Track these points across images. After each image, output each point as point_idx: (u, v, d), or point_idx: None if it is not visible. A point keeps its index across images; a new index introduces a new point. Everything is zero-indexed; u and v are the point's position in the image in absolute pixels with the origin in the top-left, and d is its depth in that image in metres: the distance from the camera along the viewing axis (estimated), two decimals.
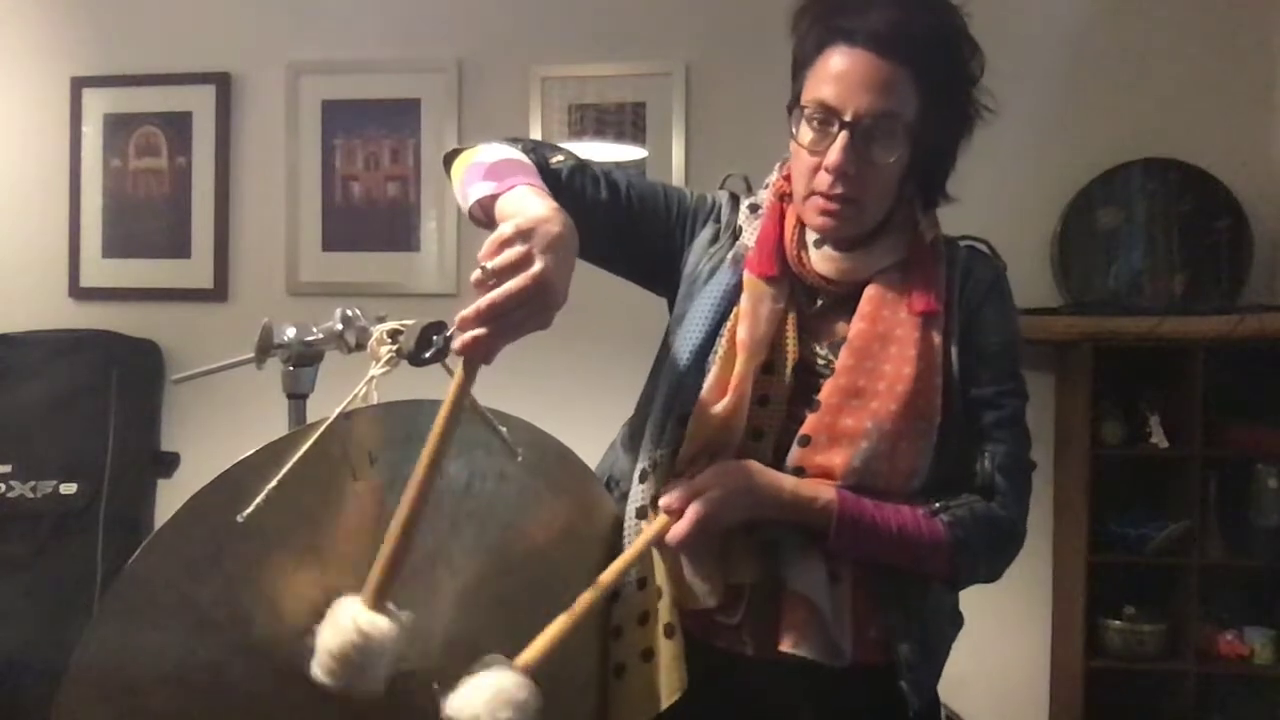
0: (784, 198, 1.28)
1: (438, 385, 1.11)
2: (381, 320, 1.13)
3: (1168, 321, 2.60)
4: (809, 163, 1.19)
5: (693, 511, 1.15)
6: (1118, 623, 2.67)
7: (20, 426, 2.98)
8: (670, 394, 1.23)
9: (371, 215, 3.16)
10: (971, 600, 1.33)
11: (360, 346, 1.14)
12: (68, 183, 3.26)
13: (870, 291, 1.22)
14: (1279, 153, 2.85)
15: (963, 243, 1.30)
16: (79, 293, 3.27)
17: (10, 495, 2.92)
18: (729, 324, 1.22)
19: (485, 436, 1.10)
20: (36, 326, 3.15)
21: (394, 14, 3.15)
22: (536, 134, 3.04)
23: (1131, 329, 2.62)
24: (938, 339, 1.20)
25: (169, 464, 3.06)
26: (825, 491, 1.17)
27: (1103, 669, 2.65)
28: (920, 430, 1.18)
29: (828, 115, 1.16)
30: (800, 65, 1.22)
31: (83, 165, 3.26)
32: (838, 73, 1.15)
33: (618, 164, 2.79)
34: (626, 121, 3.04)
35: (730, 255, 1.27)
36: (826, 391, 1.19)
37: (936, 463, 1.20)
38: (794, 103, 1.21)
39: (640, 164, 3.01)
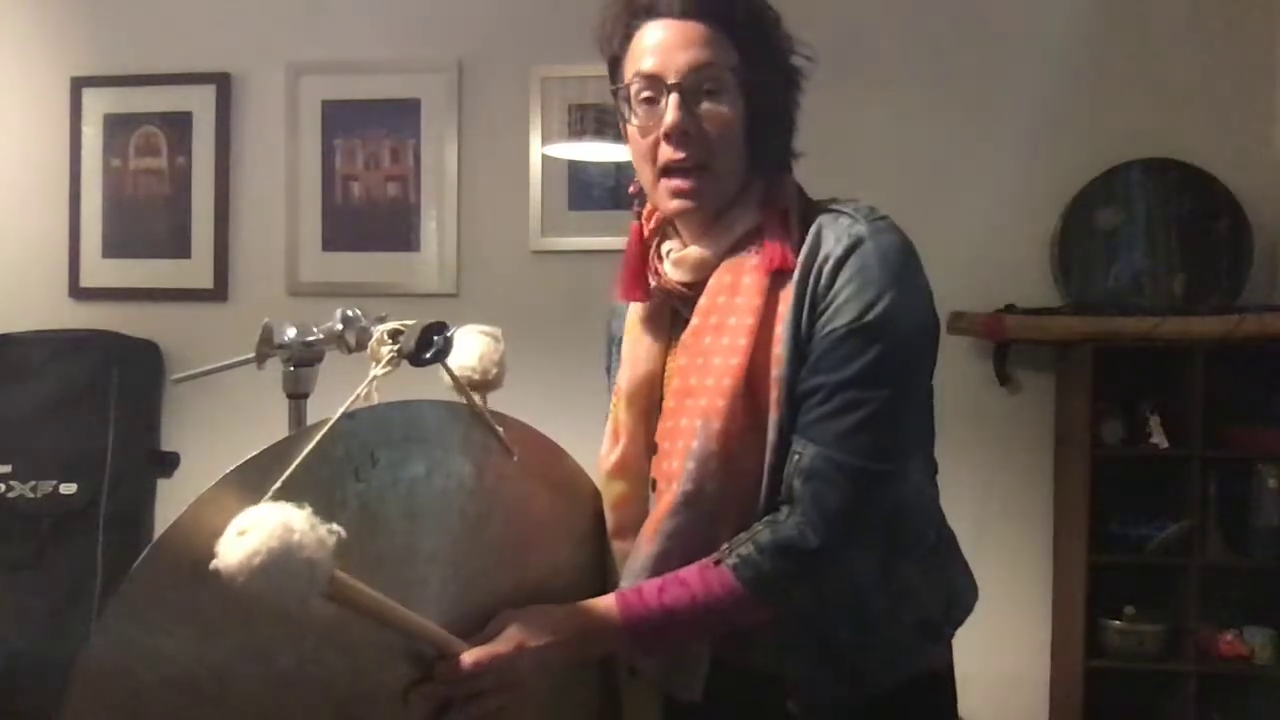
0: (639, 215, 1.22)
1: (438, 385, 1.12)
2: (382, 320, 1.13)
3: (1168, 322, 2.60)
4: (647, 142, 1.15)
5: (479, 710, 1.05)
6: (1118, 623, 2.67)
7: (20, 426, 2.98)
8: None
9: (371, 215, 3.16)
10: None
11: (361, 347, 1.14)
12: (68, 183, 3.27)
13: (711, 281, 1.15)
14: (1279, 153, 2.85)
15: (830, 207, 1.15)
16: (79, 293, 3.27)
17: (10, 495, 2.92)
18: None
19: (483, 437, 1.11)
20: (36, 326, 3.15)
21: (394, 14, 3.15)
22: (537, 134, 3.05)
23: (1131, 329, 2.62)
24: (777, 328, 1.10)
25: (169, 464, 3.06)
26: (600, 605, 1.10)
27: (1103, 669, 2.65)
28: (751, 425, 1.09)
29: (653, 85, 1.13)
30: (615, 63, 1.19)
31: (83, 165, 3.26)
32: (651, 45, 1.13)
33: (618, 164, 2.82)
34: None
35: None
36: (667, 395, 1.16)
37: (780, 467, 1.09)
38: (616, 90, 1.18)
39: None
